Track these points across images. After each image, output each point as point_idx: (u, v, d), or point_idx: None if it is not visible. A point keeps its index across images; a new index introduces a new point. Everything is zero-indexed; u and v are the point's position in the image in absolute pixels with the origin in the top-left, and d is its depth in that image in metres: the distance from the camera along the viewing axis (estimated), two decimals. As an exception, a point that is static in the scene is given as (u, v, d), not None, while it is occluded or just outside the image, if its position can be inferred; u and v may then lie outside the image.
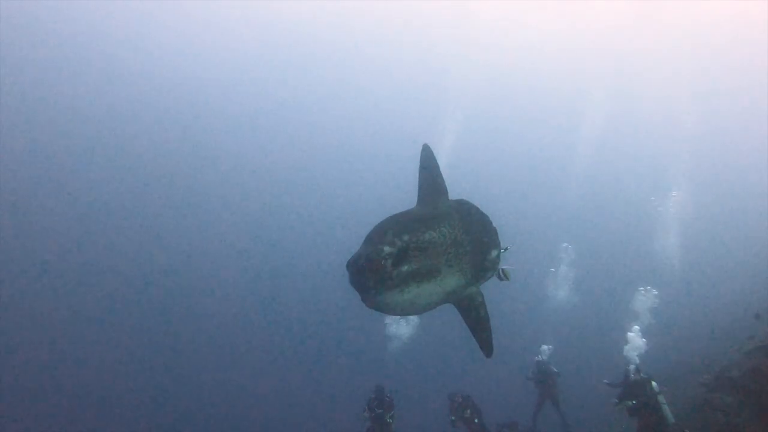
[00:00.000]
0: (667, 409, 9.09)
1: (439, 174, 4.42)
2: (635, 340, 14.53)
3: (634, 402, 9.46)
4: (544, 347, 18.95)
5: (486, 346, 4.14)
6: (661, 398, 9.18)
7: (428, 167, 4.41)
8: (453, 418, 12.53)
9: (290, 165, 52.11)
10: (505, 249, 4.48)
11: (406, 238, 3.57)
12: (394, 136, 50.56)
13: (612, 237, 41.24)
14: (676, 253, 29.06)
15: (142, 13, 45.95)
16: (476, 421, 12.46)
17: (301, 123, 54.54)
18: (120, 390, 29.21)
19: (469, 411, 12.49)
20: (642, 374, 9.57)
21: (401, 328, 18.81)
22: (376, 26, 51.15)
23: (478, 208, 4.42)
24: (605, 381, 10.36)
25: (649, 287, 18.75)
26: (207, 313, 36.52)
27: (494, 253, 4.30)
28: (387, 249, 3.47)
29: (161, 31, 47.88)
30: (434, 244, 3.70)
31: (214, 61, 51.34)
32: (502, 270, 4.52)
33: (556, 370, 14.36)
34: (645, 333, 14.69)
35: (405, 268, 3.50)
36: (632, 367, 9.95)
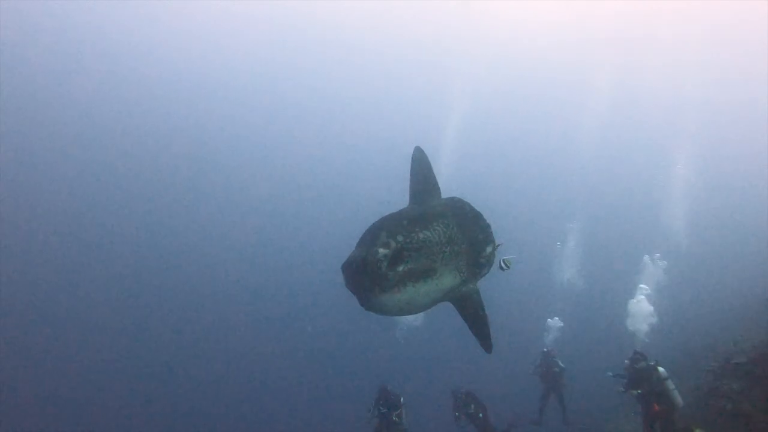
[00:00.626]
0: (676, 395, 9.18)
1: (431, 173, 4.51)
2: (642, 308, 14.59)
3: (639, 391, 9.62)
4: (550, 321, 19.14)
5: (485, 342, 4.23)
6: (669, 384, 9.27)
7: (420, 168, 4.49)
8: (457, 414, 12.70)
9: (288, 164, 52.66)
10: (498, 245, 4.58)
11: (400, 238, 3.66)
12: (393, 134, 50.79)
13: (618, 214, 42.02)
14: (682, 234, 29.42)
15: (141, 13, 46.29)
16: (480, 416, 12.65)
17: (300, 122, 54.95)
18: (120, 390, 29.39)
19: (473, 406, 12.67)
20: (649, 361, 9.69)
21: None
22: (377, 23, 51.41)
23: (471, 205, 4.51)
24: (609, 373, 10.47)
25: (657, 254, 18.89)
26: (207, 313, 36.78)
27: (489, 249, 4.40)
28: (382, 251, 3.56)
29: (160, 31, 48.27)
30: (429, 243, 3.78)
31: (212, 59, 51.76)
32: (503, 260, 4.65)
33: (562, 365, 14.44)
34: (652, 312, 14.85)
35: (401, 268, 3.60)
36: (637, 350, 10.08)
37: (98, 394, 28.87)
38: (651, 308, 14.94)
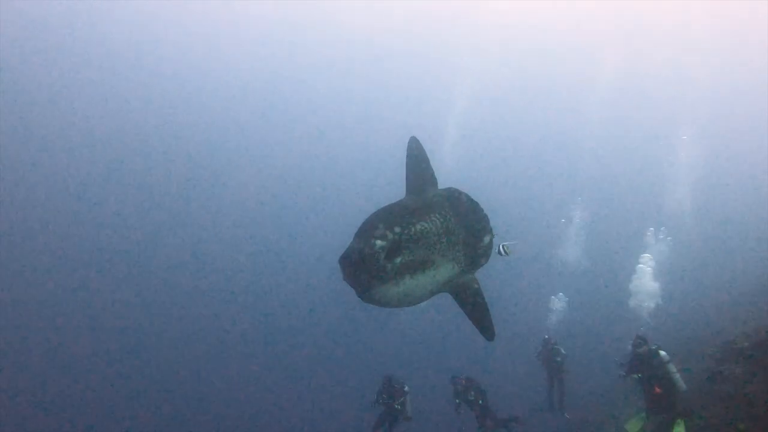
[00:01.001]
0: (678, 379, 9.38)
1: (427, 164, 4.55)
2: (646, 284, 14.61)
3: (640, 375, 9.81)
4: (554, 299, 19.29)
5: (487, 330, 4.29)
6: (670, 367, 9.45)
7: (415, 158, 4.53)
8: (457, 401, 12.94)
9: (289, 158, 53.45)
10: (495, 235, 4.64)
11: (397, 230, 3.72)
12: (396, 122, 51.00)
13: (624, 194, 42.63)
14: (687, 213, 29.65)
15: (140, 13, 46.99)
16: (480, 402, 12.89)
17: (301, 119, 55.42)
18: (117, 391, 29.52)
19: (473, 393, 12.91)
20: (651, 345, 9.82)
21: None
22: (378, 16, 51.55)
23: (468, 195, 4.55)
24: (616, 359, 10.65)
25: (662, 228, 18.89)
26: (208, 310, 37.03)
27: (487, 239, 4.48)
28: (379, 243, 3.61)
29: (159, 31, 49.05)
30: (426, 234, 3.85)
31: (212, 55, 52.61)
32: (503, 245, 4.72)
33: (564, 352, 14.65)
34: (657, 290, 14.88)
35: (398, 260, 3.66)
36: (638, 334, 10.25)
37: (98, 394, 28.99)
38: (656, 285, 15.04)
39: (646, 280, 15.25)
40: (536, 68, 53.60)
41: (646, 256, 16.40)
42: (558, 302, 20.04)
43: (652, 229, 19.25)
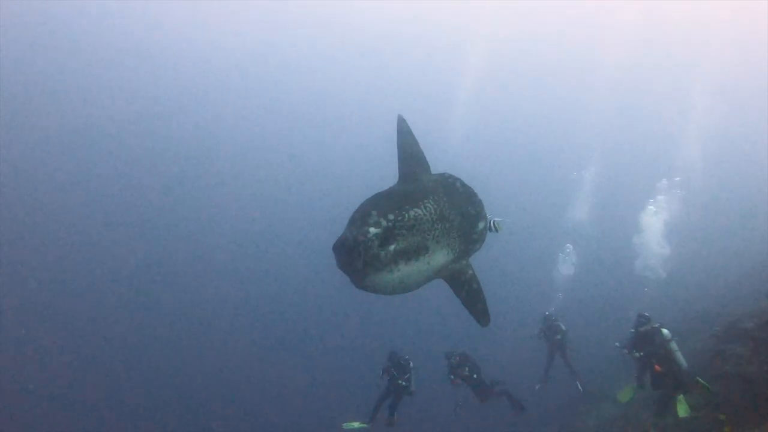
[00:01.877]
0: (680, 356, 9.72)
1: (418, 148, 4.65)
2: (655, 237, 14.83)
3: (642, 353, 10.16)
4: (561, 255, 19.64)
5: (481, 316, 4.47)
6: (672, 345, 9.80)
7: (406, 142, 4.63)
8: (452, 376, 13.41)
9: (289, 149, 54.39)
10: (490, 219, 4.83)
11: (391, 217, 3.84)
12: (393, 110, 50.96)
13: (636, 147, 43.94)
14: (699, 171, 29.94)
15: (141, 12, 47.57)
16: (475, 377, 13.39)
17: (294, 109, 55.88)
18: (117, 389, 29.92)
19: (467, 368, 13.38)
20: (653, 324, 10.16)
21: None
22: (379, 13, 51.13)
23: (462, 181, 4.70)
24: (616, 344, 10.97)
25: (677, 179, 19.03)
26: (206, 310, 37.41)
27: (481, 225, 4.65)
28: (373, 230, 3.74)
29: (156, 29, 49.72)
30: (420, 221, 3.97)
31: (206, 54, 53.28)
32: (494, 221, 4.87)
33: (564, 328, 15.05)
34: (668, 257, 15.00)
35: (392, 247, 3.79)
36: (642, 313, 10.58)
37: (98, 394, 29.34)
38: (666, 249, 15.24)
39: (654, 232, 15.46)
40: (549, 25, 53.13)
41: (660, 198, 16.50)
42: (566, 258, 20.32)
43: (665, 180, 19.29)
